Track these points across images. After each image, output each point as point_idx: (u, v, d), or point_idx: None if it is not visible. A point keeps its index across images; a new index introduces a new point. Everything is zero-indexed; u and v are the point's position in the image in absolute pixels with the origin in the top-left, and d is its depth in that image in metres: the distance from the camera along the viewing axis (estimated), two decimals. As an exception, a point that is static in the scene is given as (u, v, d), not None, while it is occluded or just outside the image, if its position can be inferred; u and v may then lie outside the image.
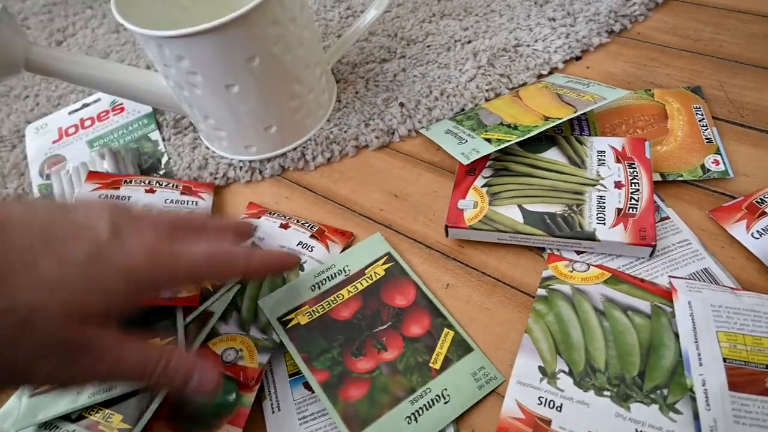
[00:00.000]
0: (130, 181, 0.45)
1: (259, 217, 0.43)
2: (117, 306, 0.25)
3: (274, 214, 0.43)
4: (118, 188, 0.43)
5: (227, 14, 0.35)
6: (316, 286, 0.37)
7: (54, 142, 0.53)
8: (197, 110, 0.43)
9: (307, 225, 0.42)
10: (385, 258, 0.39)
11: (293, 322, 0.36)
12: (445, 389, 0.32)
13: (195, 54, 0.37)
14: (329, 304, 0.36)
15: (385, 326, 0.35)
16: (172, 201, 0.44)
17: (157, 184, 0.45)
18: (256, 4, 0.36)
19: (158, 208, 0.42)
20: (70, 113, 0.55)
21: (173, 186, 0.45)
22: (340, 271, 0.38)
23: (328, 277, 0.38)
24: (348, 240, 0.41)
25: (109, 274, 0.25)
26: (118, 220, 0.26)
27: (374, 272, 0.38)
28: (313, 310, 0.36)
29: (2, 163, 0.53)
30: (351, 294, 0.37)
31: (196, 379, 0.27)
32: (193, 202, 0.44)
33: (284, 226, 0.42)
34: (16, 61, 0.40)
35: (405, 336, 0.34)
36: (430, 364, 0.33)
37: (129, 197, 0.43)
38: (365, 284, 0.37)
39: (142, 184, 0.45)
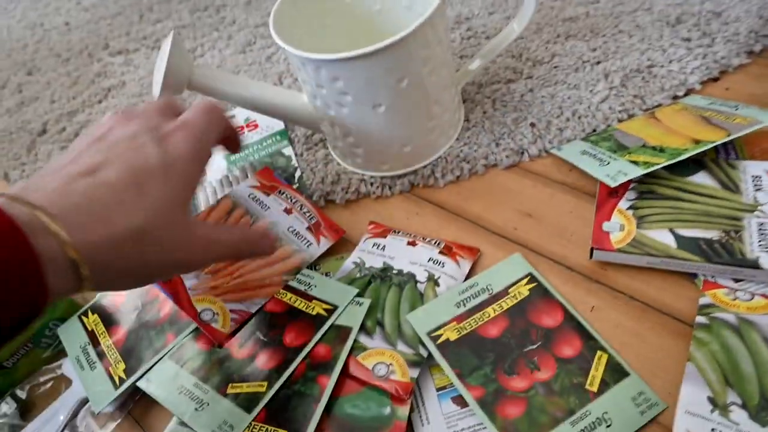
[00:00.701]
0: (282, 193, 0.48)
1: (385, 236, 0.44)
2: (195, 183, 0.31)
3: (399, 232, 0.44)
4: (268, 194, 0.48)
5: (366, 34, 0.37)
6: (461, 303, 0.38)
7: (194, 155, 0.57)
8: (339, 128, 0.45)
9: (433, 242, 0.43)
10: (528, 278, 0.39)
11: (443, 338, 0.36)
12: (606, 413, 0.31)
13: (350, 75, 0.40)
14: (476, 321, 0.37)
15: (536, 346, 0.35)
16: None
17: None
18: (414, 28, 0.37)
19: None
20: (207, 128, 0.59)
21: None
22: (483, 289, 0.39)
23: (472, 295, 0.38)
24: (475, 256, 0.42)
25: (176, 163, 0.29)
26: (142, 124, 0.30)
27: (518, 291, 0.38)
28: (461, 327, 0.37)
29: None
30: (497, 312, 0.37)
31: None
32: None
33: (412, 243, 0.43)
34: (183, 81, 0.43)
35: (557, 357, 0.34)
36: (587, 386, 0.33)
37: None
38: (510, 303, 0.37)
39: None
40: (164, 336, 0.41)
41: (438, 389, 0.35)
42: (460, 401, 0.34)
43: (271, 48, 0.69)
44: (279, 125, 0.56)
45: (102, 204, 0.26)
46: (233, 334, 0.40)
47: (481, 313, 0.37)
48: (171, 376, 0.38)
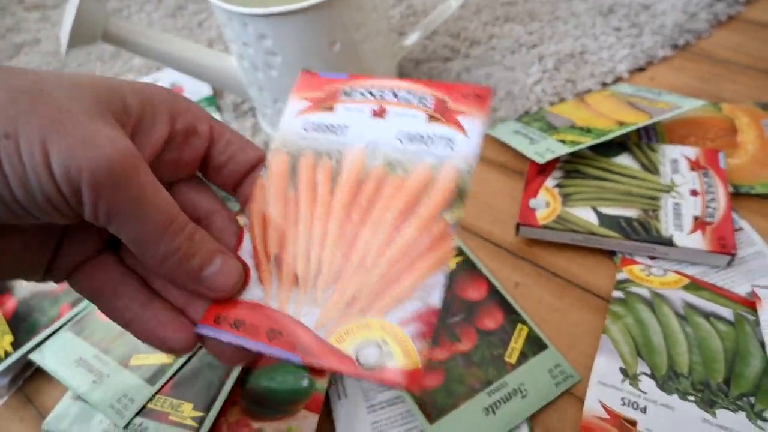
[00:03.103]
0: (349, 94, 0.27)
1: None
2: None
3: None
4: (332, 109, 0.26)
5: None
6: None
7: (111, 118, 0.53)
8: (268, 93, 0.43)
9: (415, 98, 0.36)
10: (456, 252, 0.38)
11: None
12: (522, 384, 0.31)
13: (279, 34, 0.37)
14: None
15: (458, 318, 0.35)
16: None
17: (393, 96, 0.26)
18: (346, -12, 0.36)
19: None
20: (128, 91, 0.55)
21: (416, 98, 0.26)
22: None
23: None
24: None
25: None
26: None
27: None
28: None
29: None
30: None
31: (217, 265, 0.22)
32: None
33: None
34: (96, 31, 0.40)
35: (479, 329, 0.34)
36: (505, 358, 0.33)
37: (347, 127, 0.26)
38: None
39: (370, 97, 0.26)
40: (58, 306, 0.37)
41: None
42: None
43: (203, 14, 0.66)
44: (207, 92, 0.53)
45: None
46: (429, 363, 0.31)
47: None
48: (68, 348, 0.35)
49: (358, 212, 0.23)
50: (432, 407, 0.31)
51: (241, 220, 0.25)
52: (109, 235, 0.23)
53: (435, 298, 0.21)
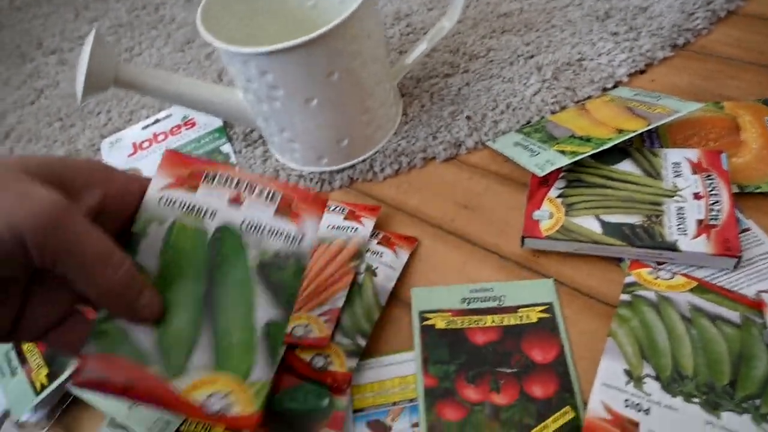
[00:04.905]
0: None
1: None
2: None
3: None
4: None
5: (299, 28, 0.37)
6: (468, 301, 0.38)
7: (129, 155, 0.55)
8: (274, 123, 0.45)
9: (373, 234, 0.43)
10: (545, 308, 0.37)
11: (430, 322, 0.37)
12: None
13: (279, 69, 0.39)
14: (469, 322, 0.37)
15: (509, 371, 0.34)
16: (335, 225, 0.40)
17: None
18: (339, 21, 0.37)
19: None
20: (143, 128, 0.57)
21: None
22: (495, 297, 0.38)
23: (482, 297, 0.38)
24: (413, 246, 0.42)
25: None
26: None
27: (527, 314, 0.37)
28: (452, 320, 0.37)
29: (80, 175, 0.55)
30: (494, 324, 0.36)
31: (147, 296, 0.27)
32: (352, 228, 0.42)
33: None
34: (107, 79, 0.42)
35: (524, 391, 0.33)
36: None
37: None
38: (512, 321, 0.36)
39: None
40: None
41: (355, 411, 0.35)
42: (375, 426, 0.34)
43: (210, 47, 0.68)
44: (217, 123, 0.55)
45: None
46: (334, 335, 0.37)
47: (480, 317, 0.37)
48: None
49: None
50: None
51: None
52: (75, 297, 0.27)
53: (339, 305, 0.36)
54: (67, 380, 0.38)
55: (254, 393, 0.28)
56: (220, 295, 0.29)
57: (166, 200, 0.30)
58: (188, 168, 0.31)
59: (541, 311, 0.37)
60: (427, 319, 0.37)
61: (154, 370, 0.27)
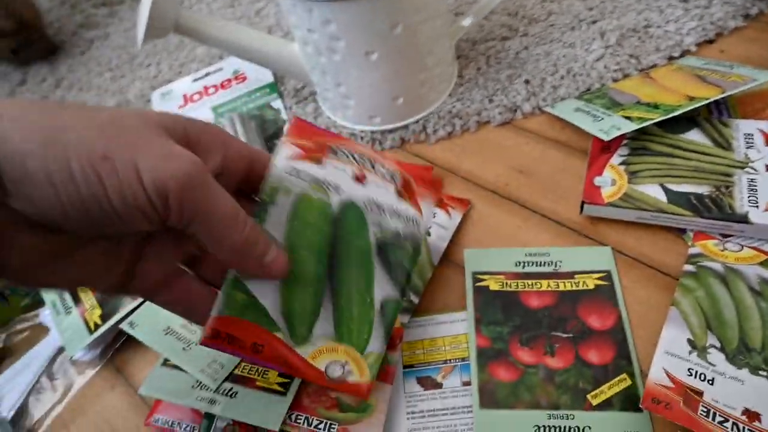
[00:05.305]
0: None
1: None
2: None
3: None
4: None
5: None
6: (522, 264, 0.37)
7: (179, 107, 0.55)
8: (330, 77, 0.44)
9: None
10: (603, 275, 0.36)
11: (484, 283, 0.37)
12: (589, 428, 0.30)
13: (343, 18, 0.38)
14: (524, 285, 0.36)
15: (565, 335, 0.34)
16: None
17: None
18: (409, -30, 0.36)
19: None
20: (193, 81, 0.57)
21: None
22: (552, 262, 0.37)
23: (537, 261, 0.37)
24: (466, 208, 0.41)
25: None
26: None
27: (584, 281, 0.36)
28: (506, 283, 0.37)
29: (130, 125, 0.55)
30: (550, 288, 0.36)
31: (273, 252, 0.27)
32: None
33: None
34: (168, 24, 0.42)
35: (579, 356, 0.33)
36: (588, 396, 0.31)
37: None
38: (569, 287, 0.36)
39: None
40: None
41: (405, 366, 0.35)
42: (426, 382, 0.34)
43: (261, 2, 0.67)
44: (268, 78, 0.55)
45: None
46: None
47: (535, 281, 0.36)
48: (156, 319, 0.37)
49: None
50: (490, 395, 0.31)
51: None
52: (181, 256, 0.29)
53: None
54: (120, 321, 0.38)
55: (369, 364, 0.30)
56: (342, 269, 0.30)
57: (294, 171, 0.30)
58: (313, 139, 0.32)
59: (599, 278, 0.36)
60: (481, 280, 0.37)
61: (280, 336, 0.28)
